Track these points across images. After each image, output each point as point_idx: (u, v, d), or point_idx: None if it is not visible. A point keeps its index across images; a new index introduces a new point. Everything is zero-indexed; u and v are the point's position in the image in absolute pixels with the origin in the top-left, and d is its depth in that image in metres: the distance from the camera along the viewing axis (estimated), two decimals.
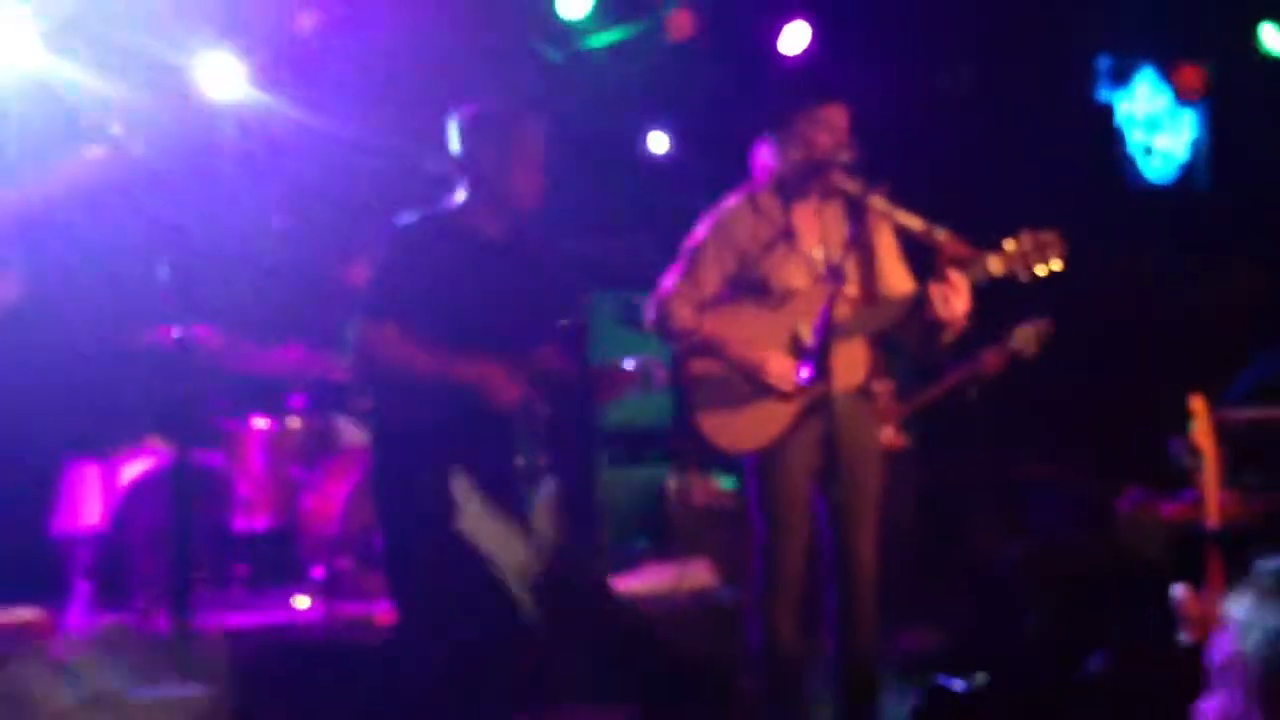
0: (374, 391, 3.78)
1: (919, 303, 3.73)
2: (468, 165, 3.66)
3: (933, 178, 6.76)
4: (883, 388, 5.69)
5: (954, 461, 6.30)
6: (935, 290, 3.68)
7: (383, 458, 3.64)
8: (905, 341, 4.06)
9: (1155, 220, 7.52)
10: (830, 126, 3.85)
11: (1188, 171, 7.73)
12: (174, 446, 5.28)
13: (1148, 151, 7.79)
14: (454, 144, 3.69)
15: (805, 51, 6.86)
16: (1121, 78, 7.82)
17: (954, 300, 3.67)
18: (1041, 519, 6.54)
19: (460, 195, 3.72)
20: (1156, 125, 7.76)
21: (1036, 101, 7.06)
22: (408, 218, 3.70)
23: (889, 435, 5.60)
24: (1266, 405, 5.35)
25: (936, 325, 3.73)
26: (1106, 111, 7.80)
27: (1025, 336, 5.60)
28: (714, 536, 5.75)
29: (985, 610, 5.49)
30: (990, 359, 5.64)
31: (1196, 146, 7.71)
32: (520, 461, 3.80)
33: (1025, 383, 5.90)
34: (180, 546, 5.03)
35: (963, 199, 6.22)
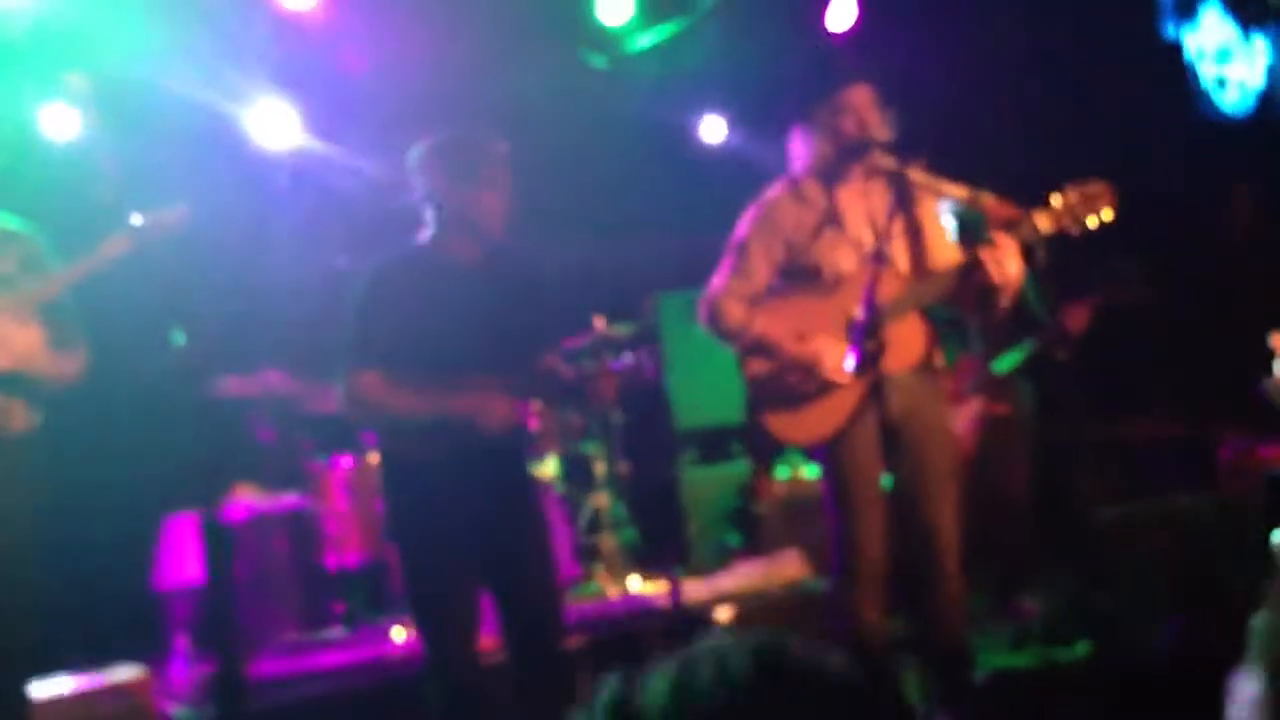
0: (373, 436, 3.80)
1: (970, 269, 3.66)
2: (432, 196, 3.64)
3: (1006, 131, 6.64)
4: (968, 357, 5.59)
5: (1057, 424, 6.15)
6: (987, 255, 3.60)
7: (394, 500, 3.65)
8: (963, 311, 3.98)
9: (1238, 154, 7.25)
10: (853, 110, 3.79)
11: (1266, 99, 7.43)
12: (265, 492, 5.41)
13: (1222, 84, 7.51)
14: (417, 176, 3.67)
15: (854, 25, 6.76)
16: (1187, 11, 7.55)
17: (1005, 263, 3.59)
18: (1148, 475, 6.36)
19: (429, 227, 3.70)
20: (1227, 56, 7.49)
21: (1104, 45, 6.86)
22: (379, 257, 3.68)
23: (984, 403, 5.48)
24: None
25: (991, 291, 3.65)
26: (1175, 47, 7.54)
27: (1112, 290, 5.42)
28: (802, 528, 5.69)
29: (1089, 576, 5.35)
30: (1073, 317, 5.47)
31: (1273, 72, 7.41)
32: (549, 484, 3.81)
33: (1117, 335, 5.73)
34: (277, 592, 5.14)
35: (1038, 151, 6.09)
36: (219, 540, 5.18)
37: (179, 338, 3.63)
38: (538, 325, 3.81)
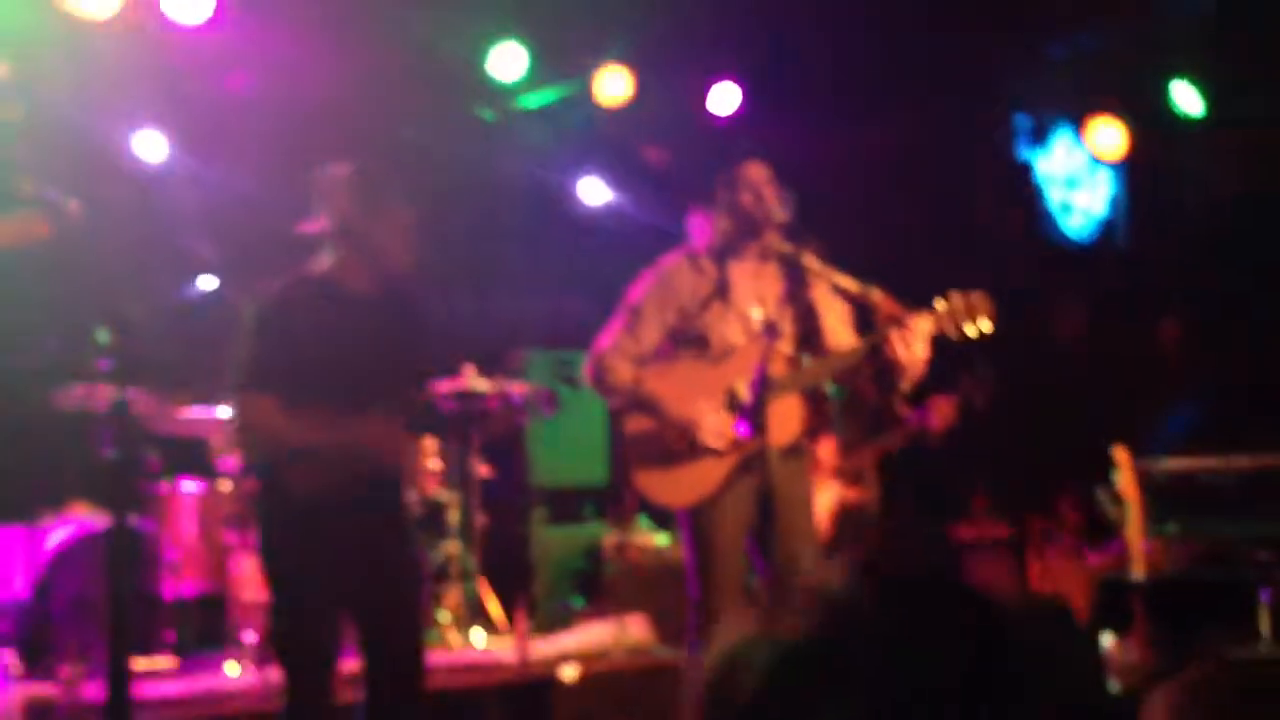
0: (256, 462, 3.75)
1: (877, 348, 3.78)
2: (334, 224, 3.62)
3: (859, 236, 6.89)
4: (827, 443, 5.75)
5: (898, 517, 6.35)
6: (895, 335, 3.73)
7: (270, 528, 3.59)
8: (862, 392, 4.10)
9: (1076, 275, 7.69)
10: (751, 185, 3.92)
11: (1107, 228, 7.91)
12: (101, 511, 5.21)
13: (1067, 209, 7.97)
14: (320, 203, 3.65)
15: (736, 112, 6.97)
16: (1040, 136, 8.00)
17: (914, 345, 3.73)
18: (979, 575, 6.60)
19: (328, 255, 3.68)
20: (1075, 183, 7.95)
21: (958, 160, 7.20)
22: (273, 283, 3.65)
23: (839, 489, 5.64)
24: (1187, 455, 5.48)
25: (891, 372, 3.78)
26: (1026, 168, 7.97)
27: (973, 391, 5.64)
28: (651, 593, 5.74)
29: None
30: (938, 411, 5.67)
31: (1115, 203, 7.90)
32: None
33: (955, 436, 5.97)
34: (109, 614, 4.94)
35: (888, 257, 6.34)
36: (43, 557, 4.98)
37: (103, 336, 3.48)
38: (425, 361, 3.83)
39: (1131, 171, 7.67)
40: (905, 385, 3.81)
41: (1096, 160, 7.68)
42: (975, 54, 6.97)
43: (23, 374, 4.16)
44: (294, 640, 3.52)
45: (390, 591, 3.60)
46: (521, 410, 5.72)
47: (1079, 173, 7.95)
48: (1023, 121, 8.01)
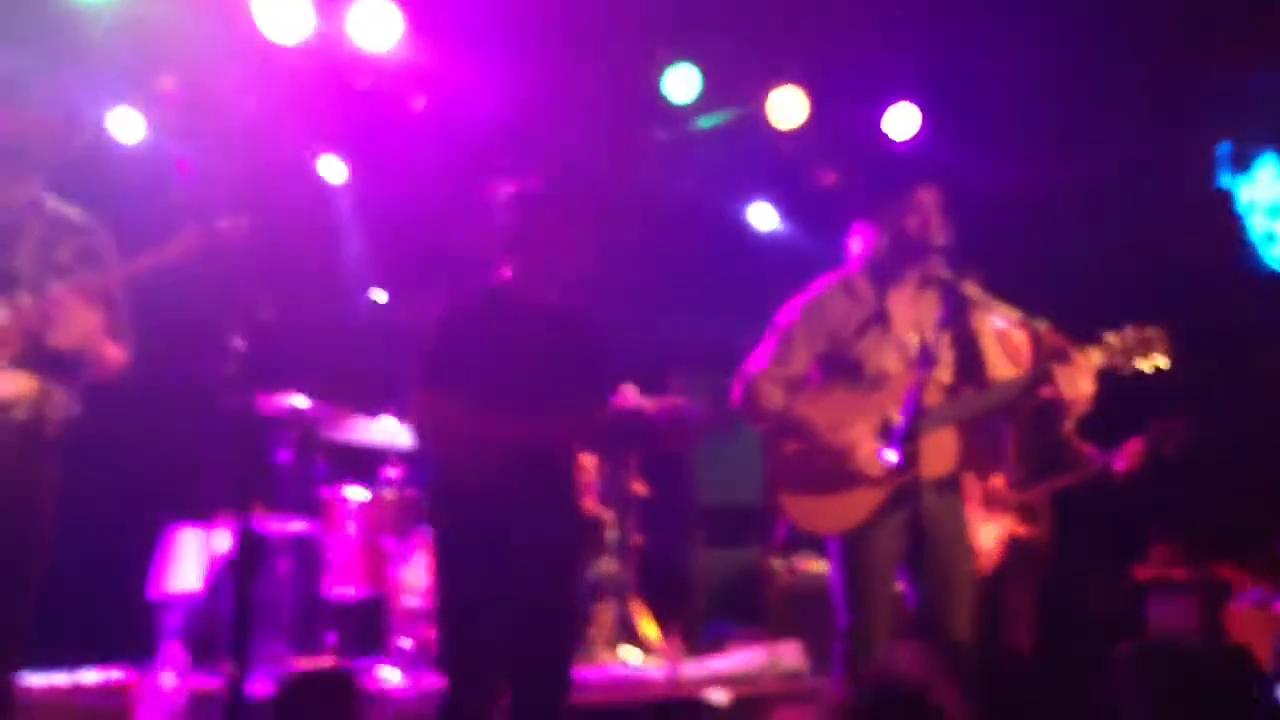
0: (433, 461, 3.79)
1: (1039, 382, 3.66)
2: (515, 239, 3.68)
3: (1053, 268, 6.67)
4: (999, 477, 5.56)
5: (1077, 554, 6.11)
6: (1059, 369, 3.60)
7: (443, 530, 3.64)
8: (1020, 425, 3.96)
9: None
10: (920, 209, 3.82)
11: None
12: (275, 514, 5.39)
13: (1271, 238, 7.55)
14: (501, 218, 3.71)
15: (915, 137, 6.82)
16: (1243, 163, 7.61)
17: (1078, 379, 3.59)
18: (1161, 618, 6.30)
19: (507, 269, 3.74)
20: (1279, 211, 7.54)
21: (1158, 190, 6.91)
22: (458, 293, 3.74)
23: (1014, 522, 5.45)
24: None
25: (1053, 408, 3.65)
26: (1228, 198, 7.59)
27: (1165, 434, 5.39)
28: (805, 620, 5.64)
29: (1095, 712, 5.29)
30: (1128, 454, 5.43)
31: None
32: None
33: (1152, 476, 5.70)
34: (274, 614, 5.10)
35: (1084, 290, 6.11)
36: (235, 556, 5.15)
37: (239, 344, 3.62)
38: (599, 376, 3.84)
39: None
40: (1069, 423, 3.67)
41: None
42: (1175, 83, 6.69)
43: (206, 378, 4.32)
44: (460, 641, 3.53)
45: (548, 606, 3.58)
46: (695, 428, 5.68)
47: None
48: (1225, 148, 7.64)
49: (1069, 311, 3.89)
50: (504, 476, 3.49)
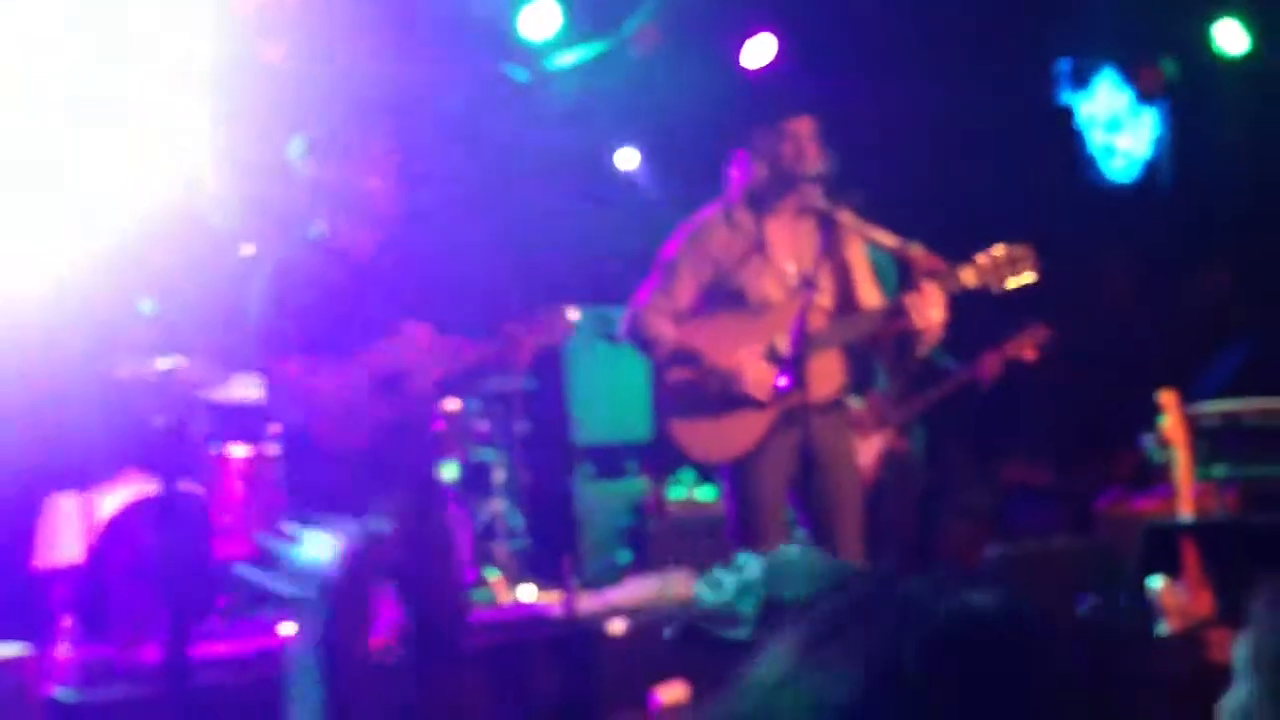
0: (284, 423, 3.76)
1: (894, 314, 3.79)
2: (321, 187, 3.65)
3: (899, 188, 6.85)
4: (873, 396, 5.75)
5: (945, 465, 6.34)
6: (911, 300, 3.74)
7: (305, 486, 3.64)
8: (880, 353, 4.12)
9: (1120, 220, 7.59)
10: (794, 138, 3.91)
11: (1151, 170, 7.80)
12: (154, 478, 5.29)
13: (1110, 152, 7.87)
14: (302, 169, 3.67)
15: (770, 65, 6.91)
16: (1081, 79, 7.89)
17: (929, 310, 3.74)
18: (1023, 521, 6.59)
19: (320, 220, 3.70)
20: (1118, 125, 7.84)
21: (998, 106, 7.12)
22: (279, 251, 3.70)
23: (889, 438, 5.63)
24: (1234, 398, 5.43)
25: (911, 336, 3.79)
26: (1067, 113, 7.87)
27: (1022, 342, 5.62)
28: (693, 547, 5.77)
29: None
30: (987, 364, 5.65)
31: (1159, 145, 7.79)
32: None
33: (1003, 386, 5.94)
34: (165, 578, 5.03)
35: (930, 208, 6.31)
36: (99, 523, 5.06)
37: (147, 308, 3.55)
38: (435, 317, 3.81)
39: (1175, 112, 7.56)
40: (922, 350, 3.83)
41: (1140, 102, 7.57)
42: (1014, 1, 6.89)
43: (76, 345, 4.23)
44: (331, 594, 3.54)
45: (428, 548, 3.64)
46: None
47: (1121, 115, 7.84)
48: (1064, 64, 7.90)
49: (935, 233, 4.03)
50: (368, 430, 3.51)
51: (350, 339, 3.57)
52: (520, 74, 6.90)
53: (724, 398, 3.90)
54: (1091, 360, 6.74)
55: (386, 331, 3.61)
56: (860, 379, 5.51)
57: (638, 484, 6.48)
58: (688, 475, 6.30)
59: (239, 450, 5.39)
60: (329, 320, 3.55)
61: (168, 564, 5.16)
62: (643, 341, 4.02)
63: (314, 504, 3.60)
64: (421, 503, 3.66)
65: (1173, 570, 4.77)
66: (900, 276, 4.28)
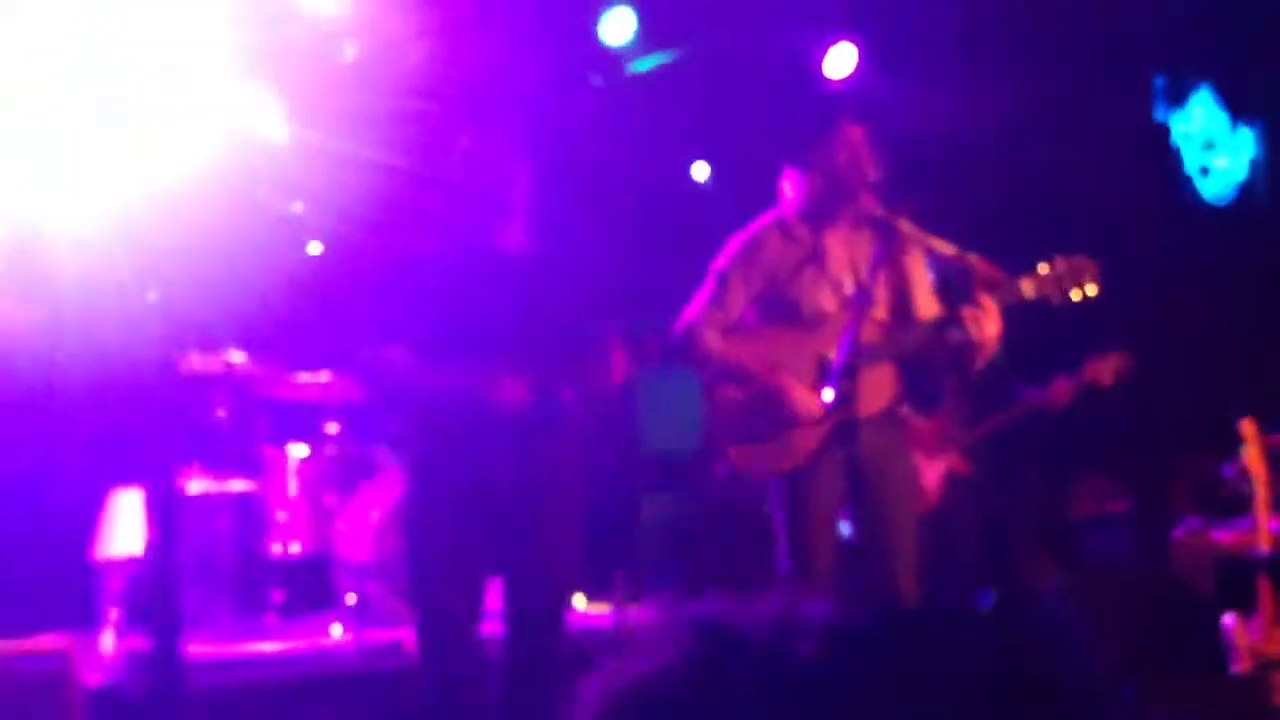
0: (396, 418, 3.71)
1: (949, 325, 3.68)
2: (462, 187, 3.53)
3: (990, 201, 6.70)
4: (940, 414, 5.60)
5: (1014, 490, 6.17)
6: (967, 313, 3.63)
7: (411, 483, 3.53)
8: (935, 366, 4.00)
9: (1213, 241, 7.34)
10: (847, 147, 3.80)
11: (1246, 190, 7.53)
12: (213, 474, 5.34)
13: (1204, 171, 7.61)
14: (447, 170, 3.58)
15: (852, 75, 6.79)
16: (1177, 98, 7.65)
17: (985, 323, 3.62)
18: (1097, 550, 6.39)
19: (465, 219, 3.56)
20: (1213, 145, 7.59)
21: (1092, 123, 6.93)
22: (419, 245, 3.56)
23: (952, 461, 5.49)
24: None
25: (967, 349, 3.67)
26: (1163, 132, 7.64)
27: (1100, 369, 5.45)
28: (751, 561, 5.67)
29: (1031, 648, 5.35)
30: (1061, 389, 5.48)
31: (1255, 165, 7.52)
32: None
33: (1083, 409, 5.76)
34: (217, 575, 5.06)
35: (1019, 222, 6.15)
36: (166, 517, 5.09)
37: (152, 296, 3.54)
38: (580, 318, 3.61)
39: (1271, 133, 7.29)
40: (978, 363, 3.70)
41: (1235, 121, 7.32)
42: (1110, 16, 6.70)
43: (144, 338, 4.26)
44: (427, 591, 3.43)
45: (530, 543, 3.43)
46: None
47: (1217, 134, 7.59)
48: (1159, 82, 7.67)
49: (1005, 246, 3.90)
50: (465, 423, 3.37)
51: (468, 333, 3.40)
52: (597, 78, 6.87)
53: (774, 415, 3.80)
54: (1175, 384, 6.51)
55: (526, 330, 3.47)
56: (925, 398, 5.38)
57: (697, 496, 6.40)
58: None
59: (296, 449, 5.41)
60: (443, 312, 3.40)
61: (225, 560, 5.20)
62: (693, 356, 3.94)
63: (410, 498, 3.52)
64: (533, 491, 3.47)
65: (1247, 607, 4.57)
66: (959, 287, 4.15)
